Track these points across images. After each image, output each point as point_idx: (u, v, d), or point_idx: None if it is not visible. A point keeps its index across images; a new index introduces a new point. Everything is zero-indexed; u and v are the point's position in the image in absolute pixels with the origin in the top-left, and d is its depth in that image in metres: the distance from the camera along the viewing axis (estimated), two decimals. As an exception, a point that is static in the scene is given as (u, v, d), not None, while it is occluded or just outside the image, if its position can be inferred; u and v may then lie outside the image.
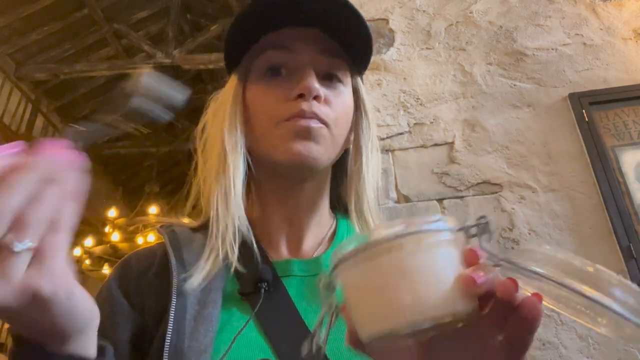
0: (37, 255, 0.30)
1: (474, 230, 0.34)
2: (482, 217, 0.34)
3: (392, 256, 0.32)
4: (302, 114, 0.54)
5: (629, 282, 0.31)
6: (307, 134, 0.54)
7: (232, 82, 0.62)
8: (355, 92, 0.63)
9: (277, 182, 0.60)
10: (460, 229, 0.34)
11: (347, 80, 0.61)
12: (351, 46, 0.60)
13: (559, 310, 0.33)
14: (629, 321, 0.30)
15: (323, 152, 0.56)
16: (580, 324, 0.33)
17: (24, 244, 0.29)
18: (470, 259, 0.33)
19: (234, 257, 0.53)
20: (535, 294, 0.32)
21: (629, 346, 1.30)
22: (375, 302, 0.32)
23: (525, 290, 0.33)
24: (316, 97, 0.55)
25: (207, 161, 0.61)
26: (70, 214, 0.32)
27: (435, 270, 0.32)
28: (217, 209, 0.56)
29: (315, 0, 0.56)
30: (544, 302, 0.32)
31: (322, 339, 0.36)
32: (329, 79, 0.59)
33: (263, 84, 0.58)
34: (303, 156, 0.54)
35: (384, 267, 0.32)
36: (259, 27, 0.58)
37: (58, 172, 0.32)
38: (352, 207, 0.61)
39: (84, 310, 0.34)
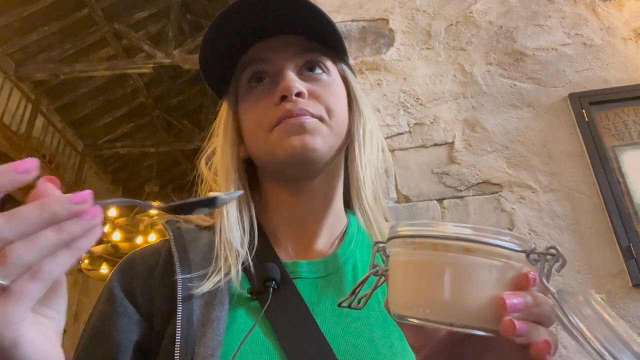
0: (1, 295, 0.28)
1: (536, 257, 0.33)
2: (551, 247, 0.33)
3: (455, 256, 0.32)
4: (289, 114, 0.54)
5: None
6: (301, 129, 0.54)
7: (224, 108, 0.63)
8: (344, 80, 0.63)
9: (287, 186, 0.60)
10: (527, 253, 0.33)
11: (331, 68, 0.61)
12: (322, 36, 0.59)
13: None
14: None
15: (321, 142, 0.55)
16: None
17: None
18: (519, 283, 0.33)
19: (237, 278, 0.53)
20: (546, 342, 0.32)
21: (629, 346, 1.30)
22: (417, 286, 0.33)
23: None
24: (300, 94, 0.55)
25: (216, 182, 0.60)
26: (56, 266, 0.30)
27: (484, 283, 0.32)
28: (220, 232, 0.55)
29: (276, 5, 0.56)
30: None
31: (364, 298, 0.39)
32: (310, 69, 0.59)
33: (250, 99, 0.59)
34: (301, 149, 0.53)
35: (443, 262, 0.32)
36: (231, 55, 0.59)
37: (66, 220, 0.30)
38: (355, 205, 0.60)
39: None
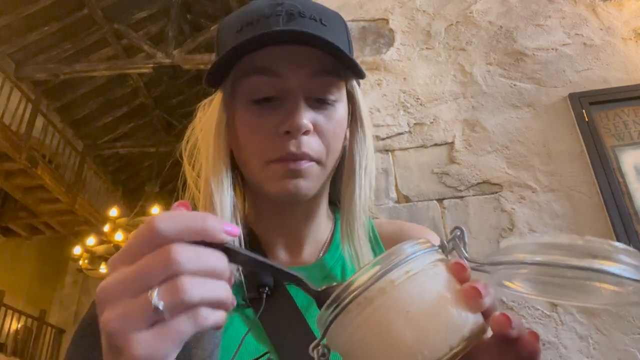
0: (157, 325, 0.29)
1: (450, 245, 0.33)
2: (456, 227, 0.33)
3: (379, 302, 0.29)
4: (290, 157, 0.52)
5: (621, 245, 0.30)
6: (297, 174, 0.53)
7: (217, 101, 0.59)
8: (350, 97, 0.60)
9: (268, 198, 0.59)
10: (444, 247, 0.33)
11: (342, 94, 0.58)
12: (341, 53, 0.55)
13: (564, 301, 0.32)
14: (633, 281, 0.28)
15: (314, 186, 0.55)
16: (584, 306, 0.33)
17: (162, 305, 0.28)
18: (458, 272, 0.32)
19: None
20: (532, 332, 0.31)
21: (629, 346, 1.30)
22: (383, 354, 0.29)
23: (528, 293, 0.32)
24: (306, 132, 0.53)
25: (197, 183, 0.59)
26: (212, 317, 0.30)
27: (428, 296, 0.30)
28: None
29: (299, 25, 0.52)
30: (545, 299, 0.32)
31: None
32: (322, 101, 0.56)
33: (251, 113, 0.55)
34: (293, 193, 0.53)
35: (375, 316, 0.29)
36: (244, 45, 0.53)
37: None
38: (343, 232, 0.59)
39: None
